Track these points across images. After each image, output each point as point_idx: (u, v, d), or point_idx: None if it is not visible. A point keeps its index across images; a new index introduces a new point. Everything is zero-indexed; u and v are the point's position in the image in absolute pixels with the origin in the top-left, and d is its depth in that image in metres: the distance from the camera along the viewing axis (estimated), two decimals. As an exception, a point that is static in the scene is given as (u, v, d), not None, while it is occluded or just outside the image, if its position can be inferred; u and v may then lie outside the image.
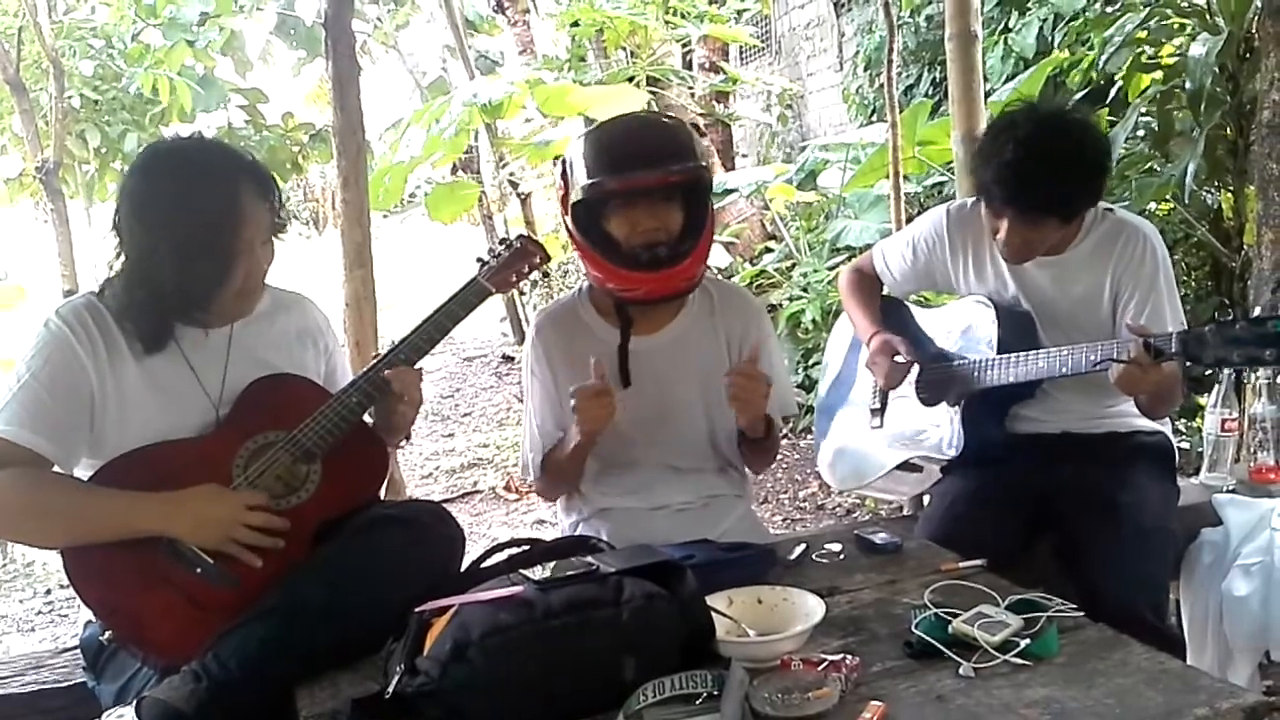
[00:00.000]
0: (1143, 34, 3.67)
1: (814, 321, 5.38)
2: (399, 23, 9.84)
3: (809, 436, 4.90)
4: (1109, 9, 4.24)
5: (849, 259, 4.85)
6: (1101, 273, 1.99)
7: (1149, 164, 3.77)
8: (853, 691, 1.25)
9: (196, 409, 1.63)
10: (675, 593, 1.33)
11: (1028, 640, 1.31)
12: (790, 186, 6.45)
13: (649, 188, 1.78)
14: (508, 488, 5.21)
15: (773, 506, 4.54)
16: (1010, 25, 5.55)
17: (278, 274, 1.72)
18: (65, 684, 1.76)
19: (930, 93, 6.21)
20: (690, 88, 8.27)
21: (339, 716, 1.31)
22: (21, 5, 5.90)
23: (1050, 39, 5.10)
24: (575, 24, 7.55)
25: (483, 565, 1.53)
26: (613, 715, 1.20)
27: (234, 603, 1.50)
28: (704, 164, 1.84)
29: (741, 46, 9.43)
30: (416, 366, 1.72)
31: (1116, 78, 3.97)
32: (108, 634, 1.56)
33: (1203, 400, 2.82)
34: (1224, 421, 2.37)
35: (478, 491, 5.29)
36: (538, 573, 1.36)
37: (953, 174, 3.75)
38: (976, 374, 2.04)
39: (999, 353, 2.01)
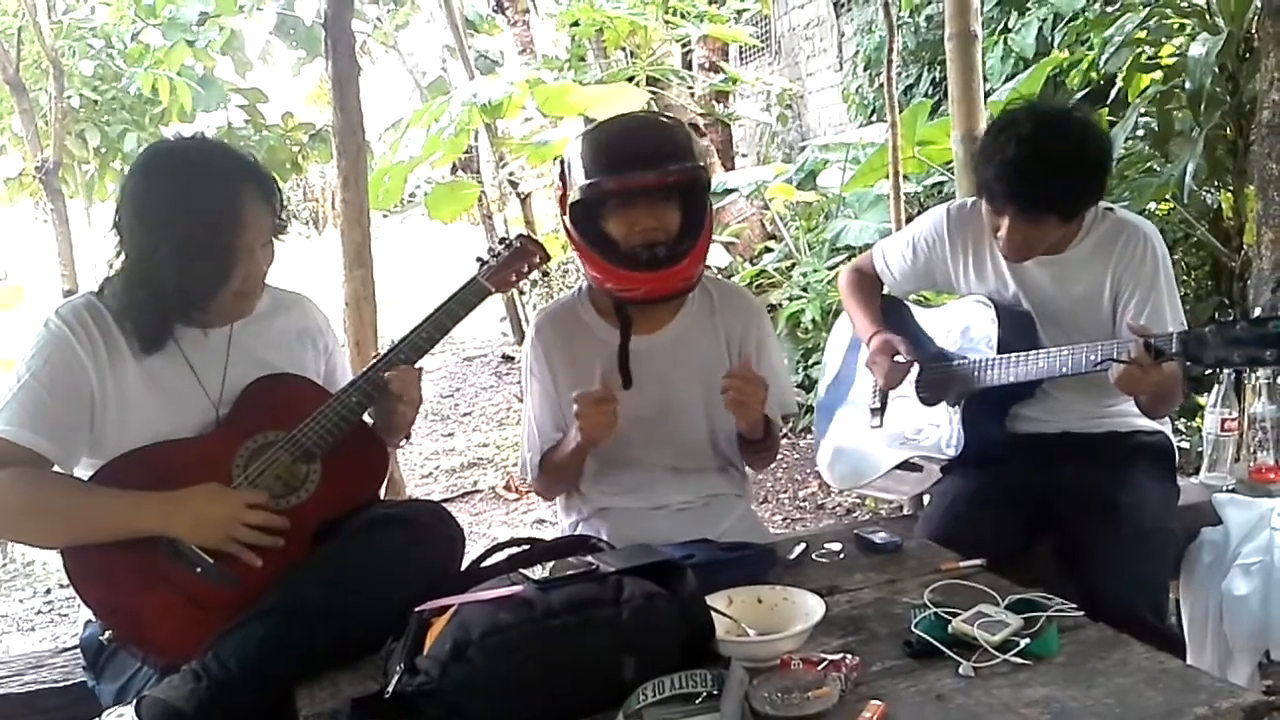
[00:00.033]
0: (1142, 34, 3.67)
1: (814, 321, 5.39)
2: (399, 23, 9.84)
3: (809, 436, 4.90)
4: (1109, 9, 4.24)
5: (849, 259, 4.85)
6: (1102, 272, 2.00)
7: (1149, 164, 3.78)
8: (852, 691, 1.25)
9: (196, 409, 1.63)
10: (675, 592, 1.33)
11: (1027, 640, 1.31)
12: (790, 186, 6.46)
13: (647, 188, 1.78)
14: (507, 487, 5.21)
15: (773, 506, 4.54)
16: (1010, 25, 5.55)
17: (278, 274, 1.72)
18: (64, 684, 1.76)
19: (930, 93, 6.22)
20: (690, 88, 8.27)
21: (339, 716, 1.31)
22: (21, 5, 5.90)
23: (1050, 39, 5.10)
24: (575, 24, 7.56)
25: (482, 565, 1.53)
26: (612, 715, 1.20)
27: (234, 602, 1.50)
28: (701, 164, 1.84)
29: (741, 46, 9.43)
30: (416, 366, 1.73)
31: (1117, 78, 3.98)
32: (108, 634, 1.56)
33: (1203, 400, 2.82)
34: (1224, 421, 2.37)
35: (477, 491, 5.29)
36: (537, 572, 1.36)
37: (952, 174, 3.75)
38: (976, 373, 2.04)
39: (999, 352, 2.01)
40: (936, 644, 1.33)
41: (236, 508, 1.54)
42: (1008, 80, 5.02)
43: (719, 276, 2.52)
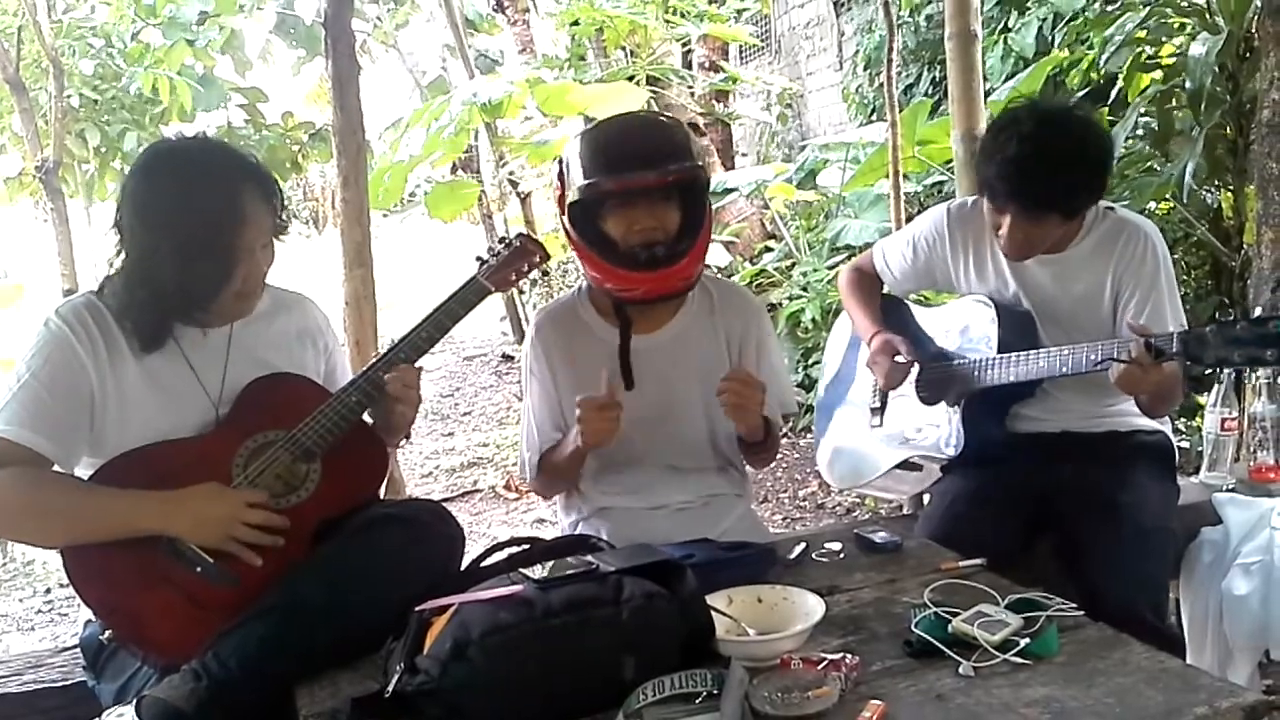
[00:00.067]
0: (1142, 33, 3.67)
1: (814, 321, 5.39)
2: (399, 22, 9.84)
3: (809, 436, 4.90)
4: (1109, 9, 4.24)
5: (849, 258, 4.85)
6: (1102, 271, 1.99)
7: (1149, 163, 3.78)
8: (852, 690, 1.25)
9: (196, 408, 1.63)
10: (675, 592, 1.33)
11: (1027, 639, 1.31)
12: (790, 186, 6.46)
13: (645, 188, 1.78)
14: (507, 487, 5.21)
15: (773, 505, 4.54)
16: (1010, 25, 5.55)
17: (277, 273, 1.72)
18: (64, 683, 1.76)
19: (930, 92, 6.22)
20: (690, 87, 8.27)
21: (339, 715, 1.31)
22: (21, 5, 5.90)
23: (1050, 38, 5.10)
24: (575, 23, 7.55)
25: (482, 564, 1.53)
26: (612, 714, 1.20)
27: (234, 602, 1.50)
28: (700, 163, 1.83)
29: (741, 46, 9.43)
30: (416, 365, 1.72)
31: (1117, 78, 3.97)
32: (107, 633, 1.56)
33: (1203, 399, 2.82)
34: (1224, 421, 2.37)
35: (477, 491, 5.29)
36: (537, 572, 1.36)
37: (952, 173, 3.75)
38: (977, 373, 2.04)
39: (999, 352, 2.01)
40: (936, 644, 1.33)
41: (236, 507, 1.54)
42: (1008, 80, 5.02)
43: (719, 276, 2.52)
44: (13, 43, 5.90)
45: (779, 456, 3.14)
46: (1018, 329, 2.03)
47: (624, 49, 7.83)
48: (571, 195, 1.83)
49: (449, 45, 9.59)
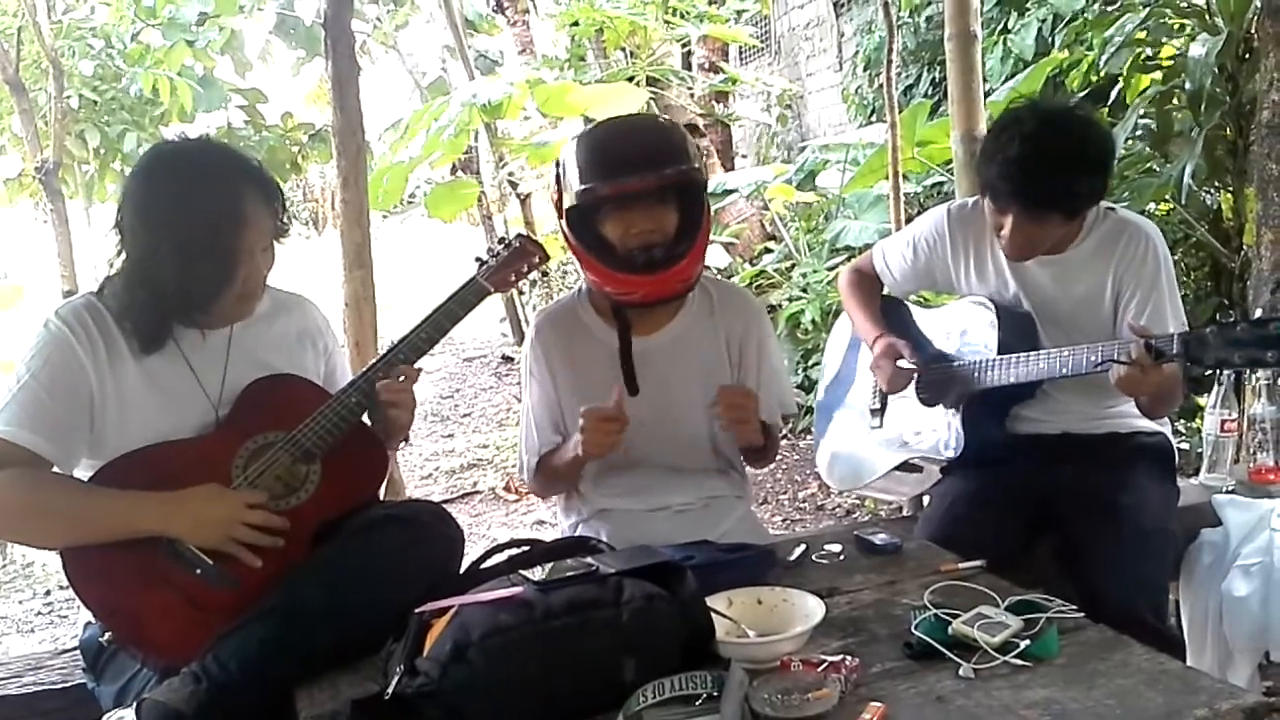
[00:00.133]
0: (1142, 34, 3.67)
1: (814, 322, 5.39)
2: (399, 23, 9.84)
3: (809, 436, 4.90)
4: (1109, 9, 4.24)
5: (848, 259, 4.85)
6: (1103, 272, 1.99)
7: (1149, 164, 3.78)
8: (852, 692, 1.25)
9: (196, 409, 1.63)
10: (675, 594, 1.33)
11: (1028, 641, 1.31)
12: (790, 187, 6.45)
13: (642, 191, 1.78)
14: (507, 488, 5.21)
15: (772, 507, 4.54)
16: (1010, 26, 5.55)
17: (277, 274, 1.71)
18: (64, 685, 1.76)
19: (930, 93, 6.22)
20: (690, 88, 8.26)
21: (339, 717, 1.31)
22: (21, 5, 5.90)
23: (1050, 39, 5.10)
24: (575, 24, 7.55)
25: (482, 566, 1.53)
26: (613, 716, 1.20)
27: (234, 603, 1.50)
28: (697, 165, 1.83)
29: (741, 46, 9.43)
30: (416, 366, 1.72)
31: (1117, 78, 3.97)
32: (107, 635, 1.56)
33: (1202, 401, 2.82)
34: (1223, 422, 2.37)
35: (477, 492, 5.29)
36: (537, 573, 1.36)
37: (952, 174, 3.75)
38: (977, 374, 2.04)
39: (999, 353, 2.01)
40: (936, 645, 1.33)
41: (236, 508, 1.54)
42: (1007, 80, 5.02)
43: (718, 277, 2.51)
44: (12, 43, 5.90)
45: (779, 458, 3.15)
46: (1018, 330, 2.03)
47: (624, 50, 7.83)
48: (568, 200, 1.82)
49: (449, 46, 9.57)
